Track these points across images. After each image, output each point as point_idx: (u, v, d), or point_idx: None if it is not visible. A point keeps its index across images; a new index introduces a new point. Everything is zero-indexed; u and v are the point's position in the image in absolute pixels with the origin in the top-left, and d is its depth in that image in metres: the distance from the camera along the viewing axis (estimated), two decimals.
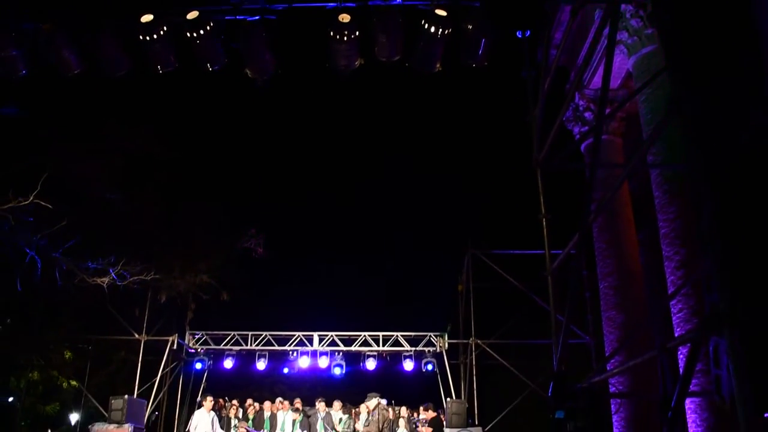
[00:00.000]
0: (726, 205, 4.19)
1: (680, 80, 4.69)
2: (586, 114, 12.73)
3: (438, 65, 9.25)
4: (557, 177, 9.09)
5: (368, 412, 13.58)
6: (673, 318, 8.94)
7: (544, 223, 7.68)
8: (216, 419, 13.31)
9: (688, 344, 5.95)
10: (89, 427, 14.21)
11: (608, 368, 8.11)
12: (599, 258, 12.23)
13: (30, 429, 18.70)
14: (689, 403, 8.44)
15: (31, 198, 12.03)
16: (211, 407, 13.22)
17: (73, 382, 18.40)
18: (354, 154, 26.38)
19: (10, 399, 19.35)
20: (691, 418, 8.46)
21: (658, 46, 9.98)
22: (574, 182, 12.93)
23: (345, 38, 8.87)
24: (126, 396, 14.10)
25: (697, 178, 4.40)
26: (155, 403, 16.46)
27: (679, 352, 8.62)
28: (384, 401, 13.71)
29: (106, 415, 14.06)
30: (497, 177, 22.92)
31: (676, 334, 8.78)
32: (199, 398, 15.57)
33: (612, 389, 11.05)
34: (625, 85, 12.08)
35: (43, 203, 12.13)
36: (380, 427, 13.29)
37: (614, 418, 11.04)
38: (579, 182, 12.88)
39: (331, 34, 8.85)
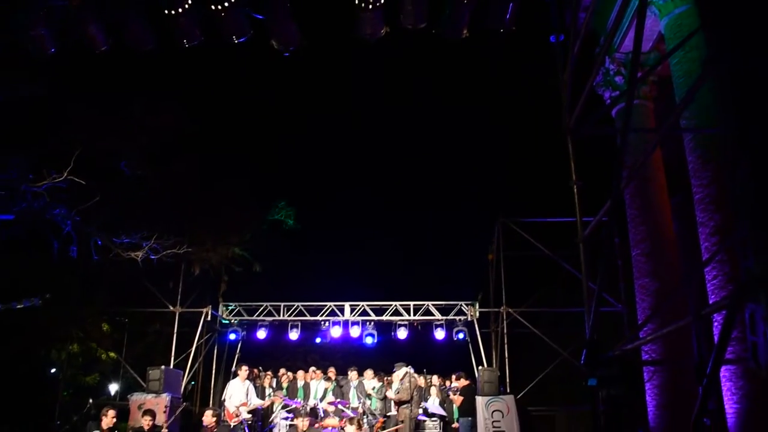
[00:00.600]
0: (761, 168, 4.08)
1: (715, 41, 4.55)
2: (617, 78, 12.46)
3: (465, 31, 9.11)
4: (588, 143, 8.92)
5: (399, 381, 13.69)
6: (708, 285, 8.80)
7: (575, 189, 7.56)
8: (251, 388, 13.43)
9: (723, 311, 5.87)
10: (128, 396, 14.59)
11: (641, 336, 8.04)
12: (631, 225, 12.05)
13: (72, 398, 19.26)
14: (724, 371, 8.33)
15: (65, 175, 12.22)
16: (246, 377, 13.36)
17: (112, 354, 18.92)
18: (383, 125, 26.34)
19: (53, 370, 19.95)
20: (726, 386, 8.37)
21: (692, 6, 9.71)
22: (605, 148, 12.73)
23: (370, 6, 8.79)
24: (163, 366, 14.43)
25: (731, 142, 4.28)
26: (191, 373, 16.80)
27: (713, 319, 8.51)
28: (412, 369, 13.76)
29: (144, 385, 14.44)
30: (527, 144, 22.71)
31: (710, 301, 8.65)
32: (234, 368, 15.82)
33: (645, 357, 10.97)
34: (657, 48, 11.78)
35: (76, 179, 12.33)
36: (411, 394, 13.38)
37: (647, 385, 10.98)
38: (610, 148, 12.67)
39: (357, 2, 8.76)
